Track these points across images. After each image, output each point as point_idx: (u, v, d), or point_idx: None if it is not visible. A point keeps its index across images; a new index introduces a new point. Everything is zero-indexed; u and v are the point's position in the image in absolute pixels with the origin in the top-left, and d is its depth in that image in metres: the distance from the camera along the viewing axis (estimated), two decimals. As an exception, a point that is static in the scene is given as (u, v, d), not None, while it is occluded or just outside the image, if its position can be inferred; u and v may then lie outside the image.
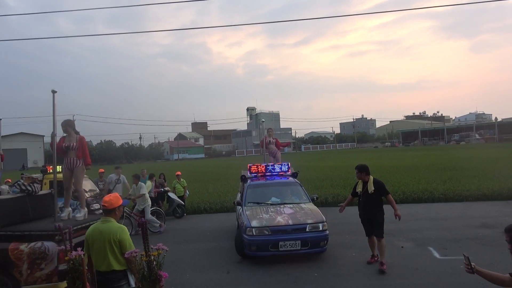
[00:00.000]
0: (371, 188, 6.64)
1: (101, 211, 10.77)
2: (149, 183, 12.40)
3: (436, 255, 7.14)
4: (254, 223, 7.15)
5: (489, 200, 12.57)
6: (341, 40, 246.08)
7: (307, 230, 7.04)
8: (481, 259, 6.68)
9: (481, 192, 13.06)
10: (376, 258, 6.74)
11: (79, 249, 3.72)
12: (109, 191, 11.94)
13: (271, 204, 8.11)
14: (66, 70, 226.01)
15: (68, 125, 6.65)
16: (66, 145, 6.50)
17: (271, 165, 9.68)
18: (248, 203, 8.30)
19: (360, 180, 6.88)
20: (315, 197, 8.62)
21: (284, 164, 9.68)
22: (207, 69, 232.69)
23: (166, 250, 3.26)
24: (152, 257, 3.19)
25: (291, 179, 9.20)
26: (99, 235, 3.79)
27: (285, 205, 7.99)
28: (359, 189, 6.86)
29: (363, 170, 6.76)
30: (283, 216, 7.36)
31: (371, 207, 6.65)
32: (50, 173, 10.65)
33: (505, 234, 3.20)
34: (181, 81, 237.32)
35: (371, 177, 6.75)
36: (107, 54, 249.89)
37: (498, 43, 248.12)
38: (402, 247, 7.79)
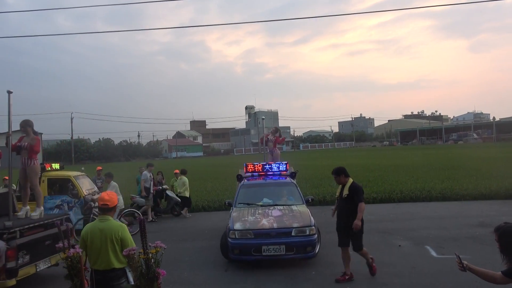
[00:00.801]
0: (345, 192, 6.04)
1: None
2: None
3: (434, 254, 7.18)
4: (237, 226, 6.86)
5: (486, 199, 12.63)
6: (340, 39, 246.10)
7: (292, 234, 6.68)
8: (479, 257, 6.71)
9: (478, 192, 13.12)
10: (347, 277, 5.98)
11: (76, 246, 3.71)
12: (146, 189, 12.11)
13: (261, 206, 7.75)
14: (65, 68, 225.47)
15: (28, 125, 6.68)
16: (19, 144, 6.57)
17: (269, 164, 9.36)
18: (239, 203, 8.02)
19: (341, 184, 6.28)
20: (309, 199, 8.27)
21: (282, 163, 9.31)
22: (206, 67, 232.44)
23: (164, 248, 3.27)
24: (150, 255, 3.19)
25: (287, 179, 8.80)
26: (98, 233, 3.78)
27: (276, 207, 7.60)
28: (337, 193, 6.32)
29: (340, 173, 6.16)
30: (268, 219, 6.99)
31: (346, 214, 6.01)
32: (47, 170, 10.64)
33: (494, 233, 3.24)
34: (180, 79, 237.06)
35: (350, 180, 6.13)
36: (106, 52, 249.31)
37: (496, 43, 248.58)
38: (399, 245, 7.82)
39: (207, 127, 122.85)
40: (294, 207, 7.55)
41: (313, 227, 6.83)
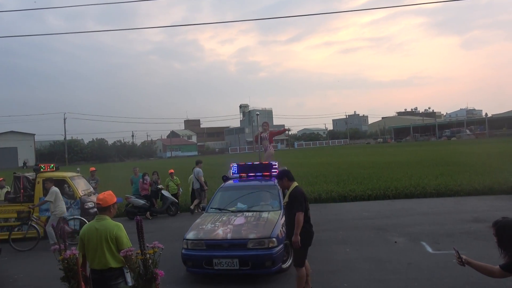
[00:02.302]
0: (286, 199, 5.38)
1: (95, 209, 10.79)
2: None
3: (429, 249, 7.22)
4: (190, 235, 6.28)
5: (480, 194, 12.72)
6: (333, 37, 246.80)
7: (248, 246, 5.91)
8: (473, 252, 6.76)
9: (472, 187, 13.22)
10: None
11: (73, 248, 3.69)
12: (201, 184, 12.68)
13: (232, 212, 7.13)
14: (57, 68, 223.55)
15: None
16: None
17: (250, 165, 8.63)
18: (211, 208, 7.48)
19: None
20: None
21: (272, 164, 8.56)
22: (200, 66, 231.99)
23: (162, 248, 3.26)
24: (148, 255, 3.17)
25: (271, 181, 7.98)
26: (94, 232, 3.77)
27: (245, 213, 6.95)
28: (285, 200, 5.49)
29: (283, 176, 5.44)
30: (226, 228, 6.31)
31: (288, 223, 5.36)
32: (44, 171, 10.56)
33: (492, 228, 3.27)
34: (173, 78, 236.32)
35: (294, 185, 5.35)
36: (99, 52, 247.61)
37: (488, 40, 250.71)
38: (395, 242, 7.85)
39: (202, 126, 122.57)
40: (264, 214, 6.77)
41: (274, 239, 5.94)
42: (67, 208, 10.32)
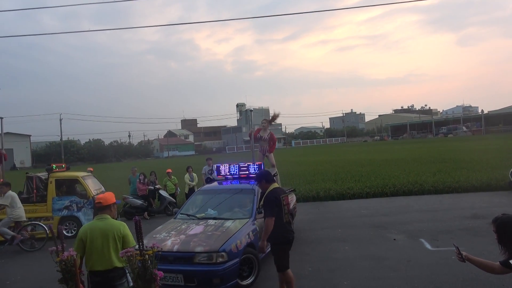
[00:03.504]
0: (262, 201, 5.19)
1: None
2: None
3: (428, 246, 7.21)
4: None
5: (478, 191, 12.74)
6: (329, 35, 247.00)
7: (194, 261, 5.32)
8: (472, 249, 6.76)
9: (470, 184, 13.24)
10: None
11: (70, 249, 3.64)
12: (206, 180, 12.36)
13: (199, 218, 6.66)
14: (52, 68, 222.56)
15: None
16: None
17: (237, 166, 8.02)
18: (181, 214, 7.03)
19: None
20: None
21: (255, 165, 7.87)
22: (196, 65, 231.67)
23: (161, 249, 3.22)
24: (147, 256, 3.14)
25: (250, 185, 7.33)
26: (99, 232, 3.73)
27: (210, 220, 6.44)
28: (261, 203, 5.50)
29: (261, 179, 5.22)
30: (176, 239, 5.76)
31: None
32: (56, 171, 10.57)
33: (492, 224, 3.27)
34: (169, 78, 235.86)
35: (271, 187, 5.06)
36: (94, 52, 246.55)
37: (484, 36, 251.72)
38: (394, 239, 7.85)
39: (198, 125, 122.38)
40: (228, 223, 6.20)
41: (223, 253, 5.29)
42: (80, 208, 10.31)
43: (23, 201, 10.14)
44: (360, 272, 6.08)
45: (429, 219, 9.37)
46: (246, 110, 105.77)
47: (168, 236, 5.92)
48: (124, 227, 3.83)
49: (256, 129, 9.83)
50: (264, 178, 5.20)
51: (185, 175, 13.21)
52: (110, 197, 3.98)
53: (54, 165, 10.68)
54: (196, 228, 6.09)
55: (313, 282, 5.84)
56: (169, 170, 13.87)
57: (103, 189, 11.47)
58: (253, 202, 6.75)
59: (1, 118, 11.77)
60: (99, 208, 3.90)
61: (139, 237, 3.18)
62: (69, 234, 9.94)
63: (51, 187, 10.21)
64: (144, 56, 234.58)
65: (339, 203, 12.70)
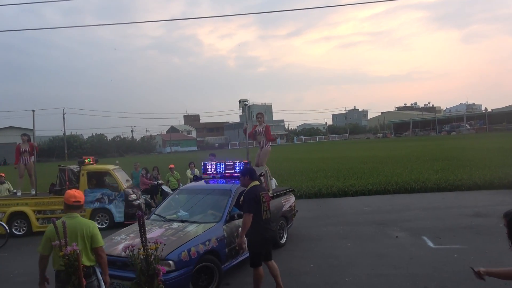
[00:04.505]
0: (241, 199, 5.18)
1: (138, 201, 10.75)
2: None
3: (430, 244, 7.20)
4: None
5: (480, 189, 12.71)
6: (332, 32, 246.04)
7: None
8: (475, 247, 6.77)
9: (472, 182, 13.21)
10: None
11: (74, 244, 3.65)
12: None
13: (167, 221, 6.29)
14: (55, 63, 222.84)
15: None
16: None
17: (223, 164, 7.69)
18: (154, 214, 6.70)
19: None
20: (235, 215, 6.12)
21: (239, 163, 7.51)
22: (199, 61, 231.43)
23: (164, 244, 3.22)
24: (150, 251, 3.14)
25: (229, 185, 6.94)
26: (68, 230, 3.65)
27: (175, 223, 6.10)
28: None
29: (246, 174, 5.24)
30: (130, 242, 5.45)
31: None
32: (88, 164, 10.70)
33: (504, 219, 3.18)
34: (172, 73, 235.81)
35: (252, 184, 5.14)
36: (97, 47, 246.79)
37: (488, 34, 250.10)
38: (396, 237, 7.85)
39: (201, 121, 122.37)
40: (191, 227, 5.80)
41: (170, 261, 4.85)
42: (112, 200, 10.45)
43: (56, 193, 10.33)
44: (362, 269, 6.08)
45: (431, 216, 9.36)
46: (249, 106, 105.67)
47: (124, 239, 5.59)
48: (93, 227, 3.79)
49: (253, 125, 9.29)
50: (249, 173, 5.23)
51: (187, 171, 13.20)
52: (81, 196, 3.95)
53: (87, 158, 10.84)
54: (155, 232, 5.70)
55: (314, 278, 5.84)
56: (172, 166, 13.88)
57: (131, 182, 11.59)
58: (226, 205, 6.30)
59: (33, 111, 11.92)
60: (73, 207, 3.85)
61: (142, 232, 3.19)
62: (102, 226, 10.03)
63: (83, 180, 10.37)
64: (147, 51, 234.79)
65: (341, 200, 12.70)
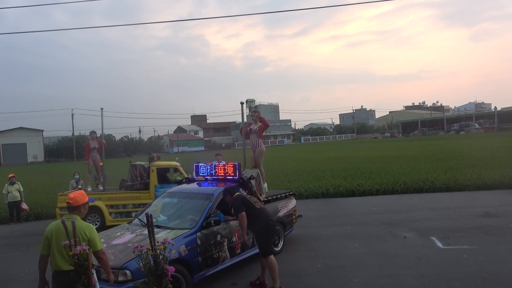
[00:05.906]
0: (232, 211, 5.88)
1: None
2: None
3: (439, 244, 7.14)
4: None
5: (490, 189, 12.58)
6: (340, 31, 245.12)
7: (102, 276, 4.43)
8: (484, 248, 6.70)
9: (482, 182, 13.07)
10: (257, 281, 5.62)
11: (83, 244, 3.68)
12: None
13: (144, 226, 5.84)
14: (64, 64, 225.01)
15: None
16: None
17: (211, 166, 7.41)
18: (137, 219, 6.41)
19: None
20: (211, 221, 5.72)
21: (230, 165, 7.11)
22: (206, 61, 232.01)
23: (172, 244, 3.24)
24: (158, 251, 3.16)
25: (212, 188, 6.64)
26: (64, 232, 3.65)
27: (145, 230, 5.23)
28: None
29: (226, 194, 5.77)
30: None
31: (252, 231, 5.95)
32: (155, 160, 10.95)
33: None
34: (179, 73, 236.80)
35: (235, 195, 5.70)
36: (105, 48, 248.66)
37: (497, 32, 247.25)
38: (404, 237, 7.79)
39: (208, 121, 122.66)
40: (161, 233, 5.43)
41: (127, 271, 4.55)
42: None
43: (127, 188, 10.61)
44: (370, 269, 6.05)
45: (440, 217, 9.28)
46: (256, 106, 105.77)
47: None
48: (90, 230, 3.76)
49: (247, 124, 8.66)
50: (228, 193, 5.72)
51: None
52: (81, 197, 3.86)
53: (155, 156, 11.20)
54: (125, 237, 5.47)
55: (322, 278, 5.83)
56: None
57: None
58: (204, 211, 5.92)
59: (101, 108, 12.44)
60: (69, 209, 3.83)
61: (150, 232, 3.20)
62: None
63: (153, 175, 10.52)
64: (154, 52, 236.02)
65: (348, 200, 12.64)
